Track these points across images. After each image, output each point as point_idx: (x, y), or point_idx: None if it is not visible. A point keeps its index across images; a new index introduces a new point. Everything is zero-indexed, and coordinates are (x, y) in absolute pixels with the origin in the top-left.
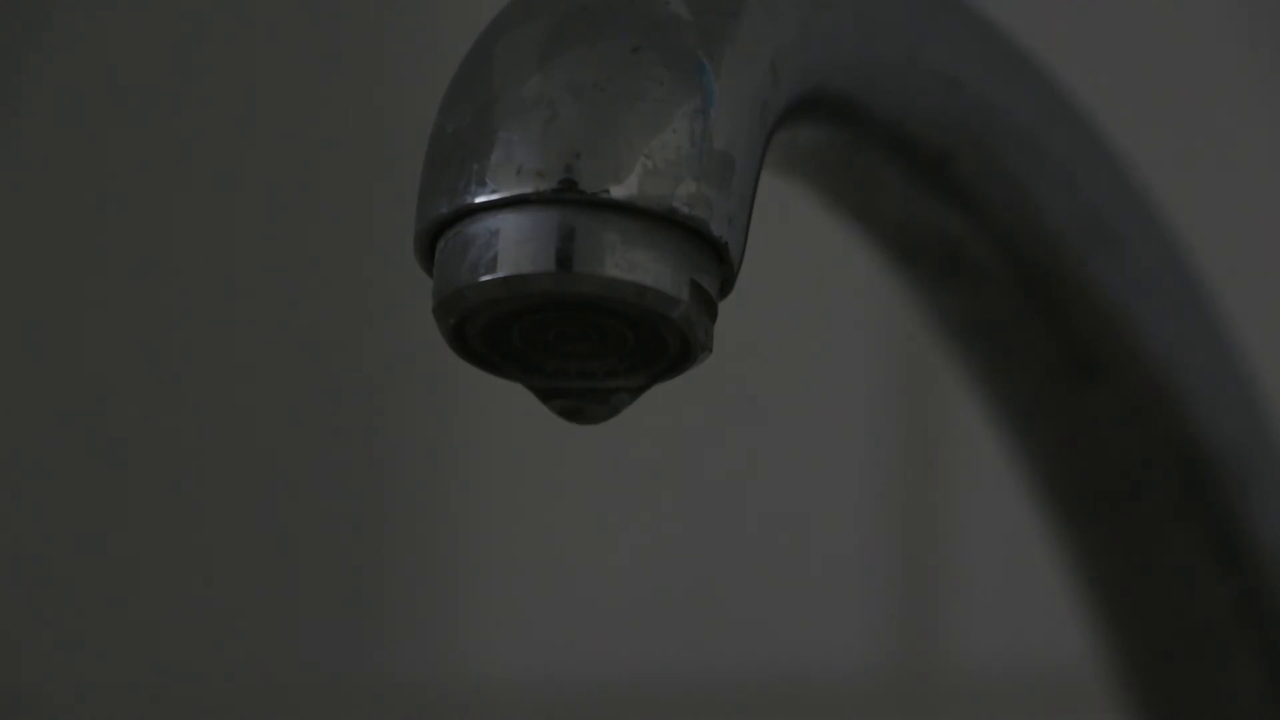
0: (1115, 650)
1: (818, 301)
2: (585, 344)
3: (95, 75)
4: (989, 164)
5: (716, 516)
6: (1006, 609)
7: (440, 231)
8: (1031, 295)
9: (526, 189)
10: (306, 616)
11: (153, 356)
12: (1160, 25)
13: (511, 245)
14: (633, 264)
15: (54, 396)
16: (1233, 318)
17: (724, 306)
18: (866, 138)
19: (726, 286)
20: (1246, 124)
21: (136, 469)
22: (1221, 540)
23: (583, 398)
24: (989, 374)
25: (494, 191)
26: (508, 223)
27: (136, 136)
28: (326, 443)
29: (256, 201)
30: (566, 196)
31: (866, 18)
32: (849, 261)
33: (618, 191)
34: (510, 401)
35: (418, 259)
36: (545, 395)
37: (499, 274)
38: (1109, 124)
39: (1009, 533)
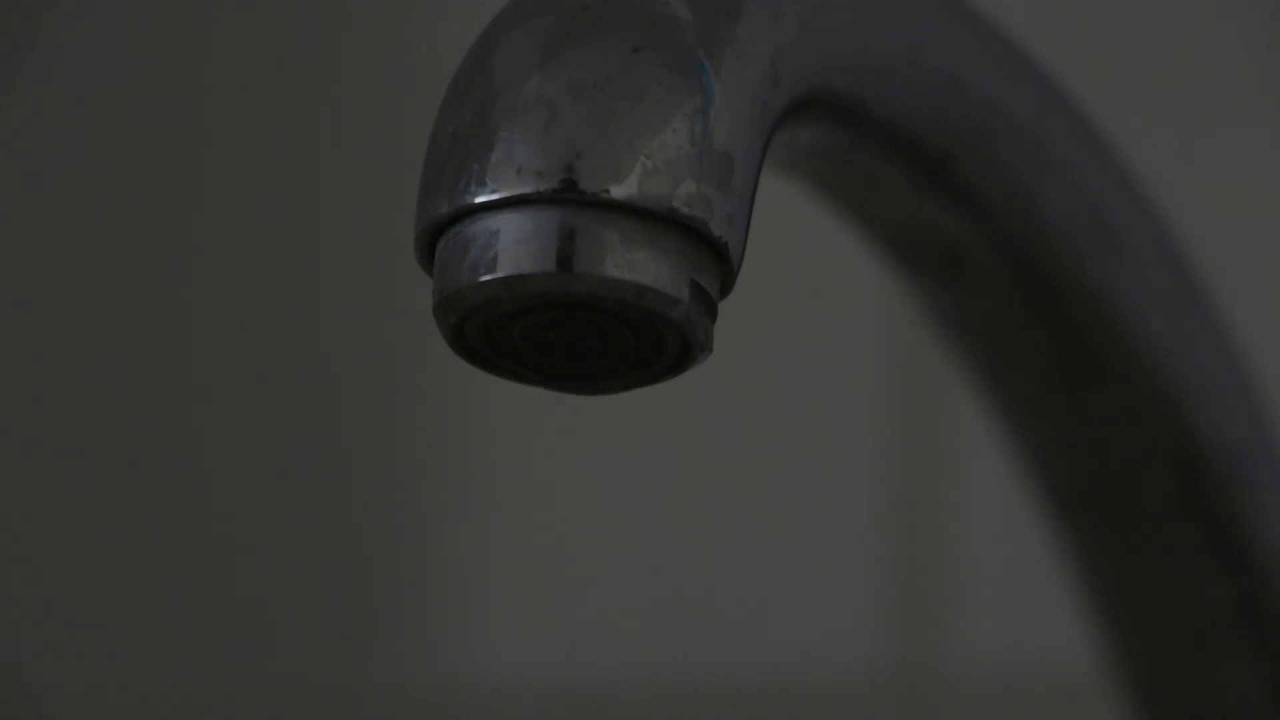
0: (1115, 650)
1: (818, 301)
2: (585, 344)
3: (96, 75)
4: (989, 164)
5: (716, 516)
6: (1007, 609)
7: (440, 231)
8: (1031, 295)
9: (526, 189)
10: (303, 618)
11: (149, 358)
12: (1160, 25)
13: (511, 245)
14: (633, 264)
15: (53, 396)
16: (1233, 318)
17: (724, 306)
18: (867, 138)
19: (726, 286)
20: (1246, 124)
21: (133, 470)
22: (1221, 540)
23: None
24: (989, 374)
25: (494, 191)
26: (508, 223)
27: (135, 136)
28: (324, 443)
29: (255, 202)
30: (567, 196)
31: (866, 18)
32: (849, 261)
33: (618, 191)
34: (509, 402)
35: (418, 259)
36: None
37: (499, 274)
38: (1109, 124)
39: (1009, 532)
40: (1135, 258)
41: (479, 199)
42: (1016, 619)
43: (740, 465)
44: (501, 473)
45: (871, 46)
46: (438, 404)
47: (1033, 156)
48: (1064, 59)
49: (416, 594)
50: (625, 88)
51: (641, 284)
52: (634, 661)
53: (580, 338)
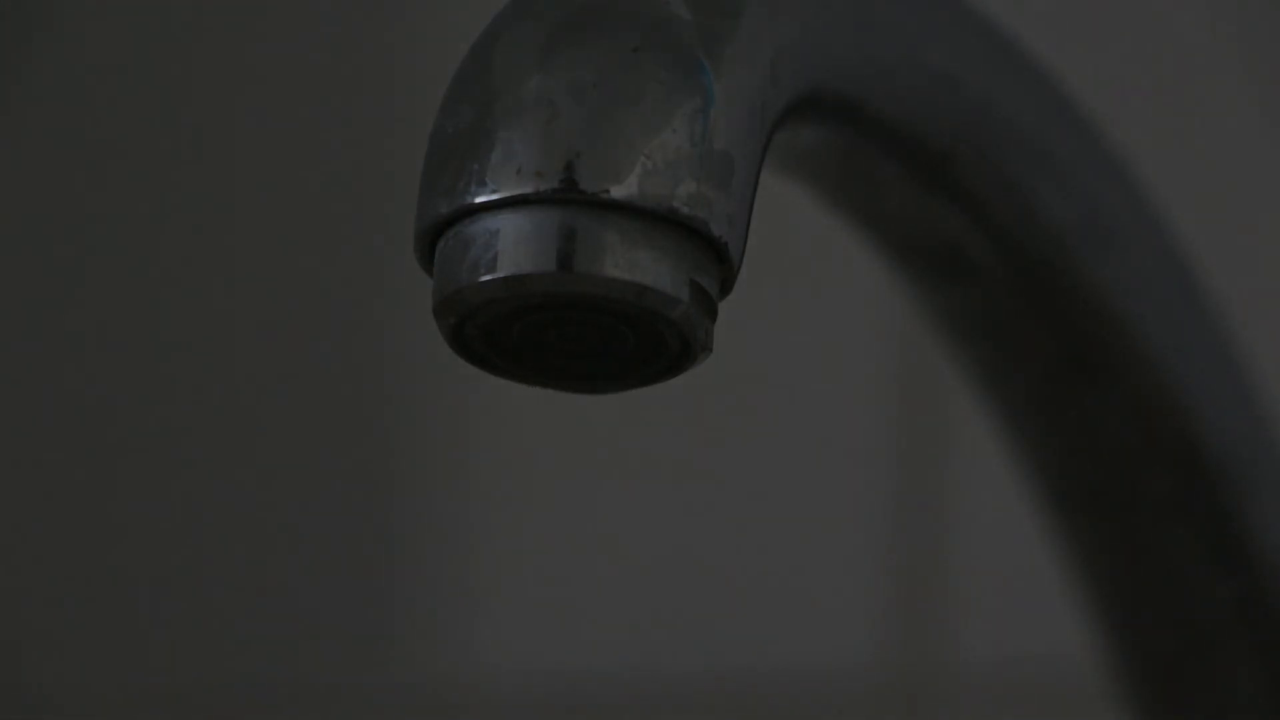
0: (1115, 650)
1: (818, 300)
2: (585, 344)
3: (96, 74)
4: (989, 164)
5: (716, 516)
6: (1007, 609)
7: (440, 231)
8: (1031, 295)
9: (526, 189)
10: (307, 618)
11: (156, 357)
12: (1160, 24)
13: (511, 245)
14: (633, 264)
15: (56, 396)
16: (1233, 317)
17: (724, 306)
18: (866, 138)
19: (727, 286)
20: (1246, 124)
21: (139, 469)
22: (1221, 540)
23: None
24: (989, 373)
25: (494, 191)
26: (508, 223)
27: (136, 136)
28: (326, 443)
29: (256, 202)
30: (566, 196)
31: (866, 18)
32: (849, 261)
33: (618, 191)
34: (509, 402)
35: (418, 259)
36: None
37: (499, 274)
38: (1109, 123)
39: (1009, 532)
40: (1135, 257)
41: (479, 199)
42: (1016, 618)
43: (740, 465)
44: (501, 472)
45: (872, 47)
46: (437, 405)
47: (1033, 156)
48: (1064, 59)
49: (418, 595)
50: (625, 88)
51: (641, 284)
52: (632, 660)
53: (580, 338)
